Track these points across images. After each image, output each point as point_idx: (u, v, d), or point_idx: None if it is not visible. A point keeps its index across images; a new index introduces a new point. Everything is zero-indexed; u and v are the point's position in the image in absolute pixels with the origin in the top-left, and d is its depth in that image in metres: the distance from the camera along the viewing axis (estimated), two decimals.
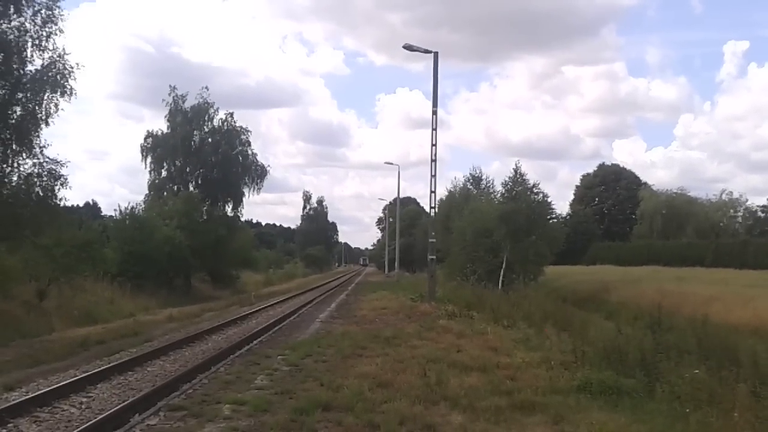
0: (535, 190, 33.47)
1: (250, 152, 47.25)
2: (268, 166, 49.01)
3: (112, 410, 9.22)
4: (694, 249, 52.51)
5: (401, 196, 67.74)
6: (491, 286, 30.45)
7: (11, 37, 17.77)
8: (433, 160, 24.49)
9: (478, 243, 33.68)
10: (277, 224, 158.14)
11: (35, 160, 18.52)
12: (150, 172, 45.34)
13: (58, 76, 18.31)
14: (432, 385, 9.53)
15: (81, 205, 75.44)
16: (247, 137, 47.08)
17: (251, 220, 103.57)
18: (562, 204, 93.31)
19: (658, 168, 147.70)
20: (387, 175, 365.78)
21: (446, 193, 51.85)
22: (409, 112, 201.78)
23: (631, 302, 29.44)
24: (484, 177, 50.87)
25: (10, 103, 17.88)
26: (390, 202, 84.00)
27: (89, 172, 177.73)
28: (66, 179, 19.09)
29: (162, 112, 46.02)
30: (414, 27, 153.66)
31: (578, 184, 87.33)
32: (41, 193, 18.81)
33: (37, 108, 18.23)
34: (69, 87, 18.53)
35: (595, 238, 71.01)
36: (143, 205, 39.38)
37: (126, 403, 9.67)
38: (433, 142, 24.42)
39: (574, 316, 22.43)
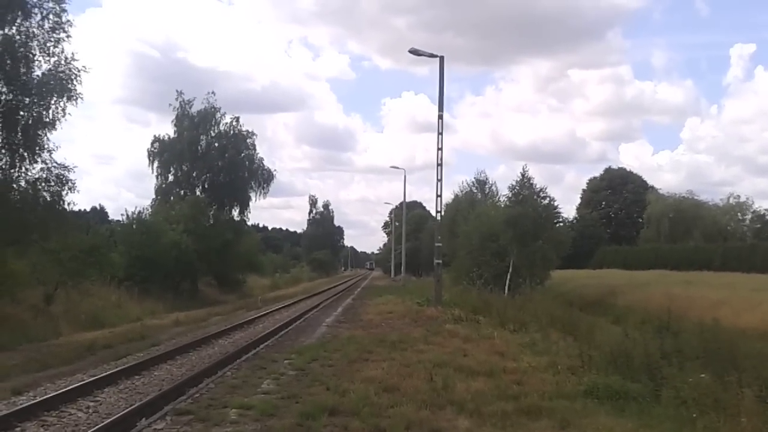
0: (542, 194, 33.42)
1: (256, 156, 47.30)
2: (275, 170, 49.03)
3: (119, 414, 9.25)
4: (701, 253, 52.30)
5: (407, 200, 67.68)
6: (497, 291, 30.37)
7: (19, 42, 17.87)
8: (439, 164, 24.55)
9: (485, 247, 33.61)
10: (284, 228, 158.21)
11: (43, 165, 18.62)
12: (157, 176, 45.46)
13: (65, 81, 18.39)
14: (438, 390, 9.53)
15: (88, 209, 75.63)
16: (253, 141, 47.14)
17: (257, 224, 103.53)
18: (568, 208, 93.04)
19: (665, 171, 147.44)
20: (393, 179, 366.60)
21: (452, 197, 51.88)
22: (415, 116, 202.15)
23: (638, 306, 29.33)
24: (488, 181, 50.89)
25: (17, 108, 17.98)
26: (396, 206, 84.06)
27: (96, 176, 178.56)
28: (74, 184, 19.19)
29: (168, 116, 46.17)
30: (419, 31, 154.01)
31: (585, 187, 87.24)
32: (49, 198, 18.89)
33: (44, 112, 18.31)
34: (76, 91, 18.61)
35: (601, 242, 70.86)
36: (150, 210, 39.45)
37: (133, 407, 9.69)
38: (439, 146, 24.46)
39: (580, 320, 22.34)
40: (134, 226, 33.92)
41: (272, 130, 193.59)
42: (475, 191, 50.28)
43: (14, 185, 18.57)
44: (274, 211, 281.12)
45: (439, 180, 24.55)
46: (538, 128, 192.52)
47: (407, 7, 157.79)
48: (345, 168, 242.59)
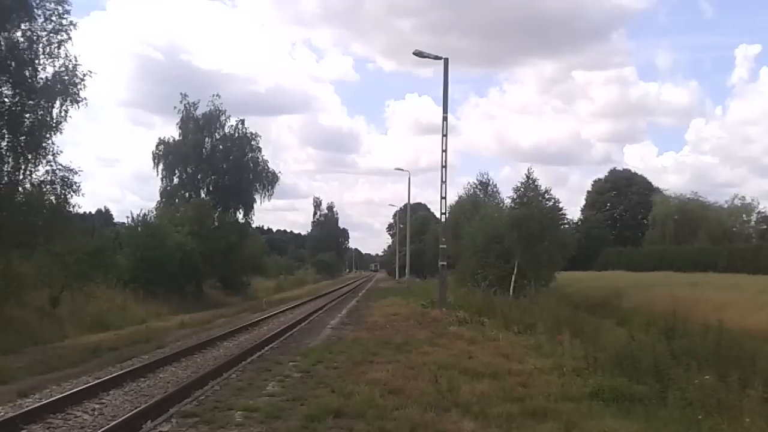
0: (547, 196, 33.36)
1: (261, 159, 47.41)
2: (279, 172, 49.14)
3: (125, 417, 9.28)
4: (706, 254, 52.12)
5: (411, 202, 67.71)
6: (502, 292, 30.35)
7: (23, 45, 17.93)
8: (444, 166, 24.50)
9: (489, 249, 33.59)
10: (288, 230, 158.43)
11: (48, 168, 18.67)
12: (162, 179, 45.58)
13: (69, 84, 18.44)
14: (443, 392, 9.52)
15: (93, 212, 75.83)
16: (257, 144, 47.27)
17: (262, 226, 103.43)
18: (573, 209, 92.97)
19: (670, 173, 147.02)
20: (397, 181, 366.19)
21: (456, 199, 51.86)
22: (419, 118, 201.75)
23: (644, 308, 29.23)
24: (490, 183, 50.88)
25: (22, 111, 18.03)
26: (400, 208, 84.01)
27: (101, 179, 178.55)
28: (78, 186, 19.23)
29: (173, 118, 46.31)
30: (423, 33, 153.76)
31: (589, 189, 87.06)
32: (54, 201, 18.94)
33: (48, 116, 18.36)
34: (80, 95, 18.67)
35: (606, 244, 70.66)
36: (155, 212, 39.54)
37: (138, 409, 9.72)
38: (444, 148, 24.42)
39: (586, 322, 22.31)
40: (139, 229, 33.98)
41: (276, 132, 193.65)
42: (479, 193, 50.27)
43: (19, 188, 18.62)
44: (278, 213, 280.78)
45: (444, 182, 24.53)
46: (543, 130, 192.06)
47: (411, 9, 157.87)
48: (349, 170, 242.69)
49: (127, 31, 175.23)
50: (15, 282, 18.88)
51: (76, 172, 19.13)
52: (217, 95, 46.92)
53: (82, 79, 18.65)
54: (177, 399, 10.26)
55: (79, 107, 18.85)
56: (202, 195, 44.79)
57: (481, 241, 34.17)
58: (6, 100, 17.95)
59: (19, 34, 17.93)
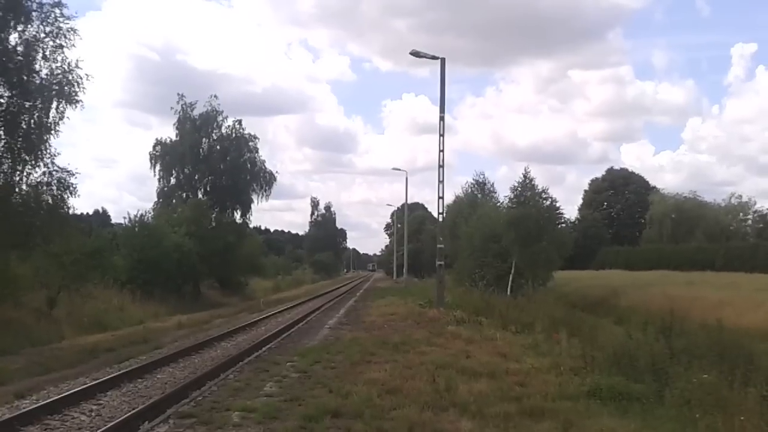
0: (544, 195, 33.40)
1: (258, 159, 47.36)
2: (276, 172, 49.08)
3: (122, 418, 9.25)
4: (703, 253, 52.24)
5: (409, 201, 67.68)
6: (500, 292, 30.38)
7: (20, 47, 17.91)
8: (441, 166, 24.51)
9: (487, 248, 33.62)
10: (286, 231, 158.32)
11: (45, 169, 18.64)
12: (159, 179, 45.53)
13: (67, 87, 18.41)
14: (441, 392, 9.53)
15: (90, 212, 75.89)
16: (255, 144, 47.20)
17: (259, 226, 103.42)
18: (570, 209, 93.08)
19: (667, 172, 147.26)
20: (394, 180, 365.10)
21: (454, 199, 51.86)
22: (415, 118, 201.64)
23: (641, 307, 29.26)
24: (487, 182, 50.86)
25: (19, 112, 18.01)
26: (398, 208, 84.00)
27: (98, 179, 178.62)
28: (75, 188, 19.20)
29: (169, 119, 46.27)
30: (420, 33, 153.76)
31: (586, 188, 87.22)
32: (51, 202, 18.92)
33: (45, 117, 18.33)
34: (77, 97, 18.64)
35: (604, 243, 70.77)
36: (152, 213, 39.52)
37: (135, 410, 9.70)
38: (441, 148, 24.44)
39: (583, 321, 22.35)
40: (136, 229, 33.95)
41: (273, 132, 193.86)
42: (476, 192, 50.27)
43: (16, 189, 18.60)
44: (275, 214, 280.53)
45: (441, 181, 24.55)
46: (539, 129, 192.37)
47: (408, 9, 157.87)
48: (346, 170, 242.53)
49: (122, 32, 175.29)
50: (12, 283, 18.88)
51: (73, 174, 19.14)
52: (215, 96, 46.95)
53: (80, 82, 18.64)
54: (174, 400, 10.24)
55: (75, 108, 18.84)
56: (200, 195, 44.77)
57: (479, 241, 34.20)
58: (2, 101, 17.92)
59: (15, 36, 17.93)
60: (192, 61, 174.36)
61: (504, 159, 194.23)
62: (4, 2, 17.41)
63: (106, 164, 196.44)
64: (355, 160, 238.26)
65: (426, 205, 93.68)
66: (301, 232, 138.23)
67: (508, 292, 30.81)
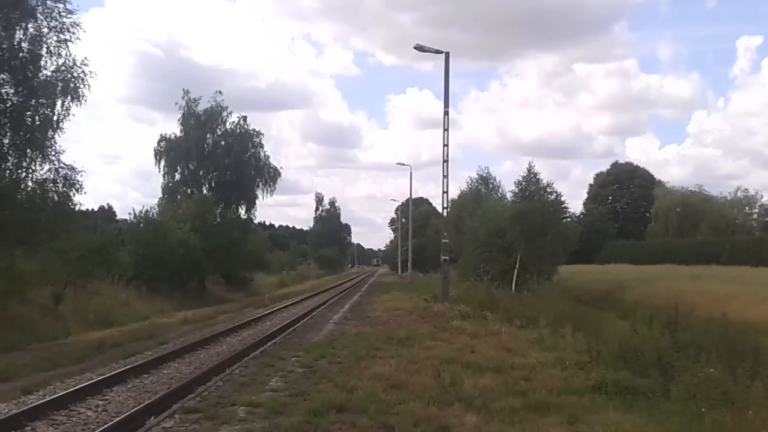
0: (549, 190, 33.34)
1: (262, 155, 47.50)
2: (281, 168, 49.26)
3: (128, 413, 9.28)
4: (709, 247, 52.07)
5: (413, 196, 67.72)
6: (505, 287, 30.38)
7: (25, 44, 17.93)
8: (445, 161, 24.49)
9: (492, 243, 33.60)
10: (290, 226, 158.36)
11: (50, 166, 18.68)
12: (164, 175, 45.73)
13: (71, 82, 18.43)
14: (446, 386, 9.52)
15: (96, 209, 75.99)
16: (259, 140, 47.37)
17: (264, 222, 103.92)
18: (575, 203, 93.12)
19: (672, 165, 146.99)
20: (399, 175, 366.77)
21: (458, 194, 51.82)
22: (420, 112, 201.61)
23: (646, 301, 29.22)
24: (491, 177, 50.81)
25: (24, 109, 18.04)
26: (402, 203, 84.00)
27: (103, 176, 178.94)
28: (81, 185, 19.23)
29: (174, 115, 46.49)
30: (424, 26, 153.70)
31: (591, 182, 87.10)
32: (57, 198, 18.95)
33: (50, 114, 18.35)
34: (82, 93, 18.65)
35: (609, 237, 70.66)
36: (157, 209, 39.62)
37: (142, 405, 9.73)
38: (445, 143, 24.41)
39: (588, 315, 22.31)
40: (142, 225, 34.07)
41: (277, 127, 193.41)
42: (481, 187, 50.22)
43: (22, 186, 18.64)
44: (280, 209, 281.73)
45: (446, 176, 24.53)
46: (544, 123, 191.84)
47: (411, 3, 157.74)
48: (351, 165, 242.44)
49: (126, 28, 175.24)
50: (18, 279, 18.92)
51: (79, 171, 19.16)
52: (219, 92, 47.12)
53: (84, 79, 18.65)
54: (180, 395, 10.26)
55: (80, 105, 18.86)
56: (204, 191, 44.91)
57: (484, 236, 34.17)
58: (8, 98, 17.94)
59: (20, 33, 17.92)
60: (196, 57, 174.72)
61: (508, 153, 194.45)
62: None
63: (110, 160, 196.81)
64: (359, 155, 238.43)
65: (430, 200, 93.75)
66: (305, 228, 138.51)
67: (513, 287, 30.81)
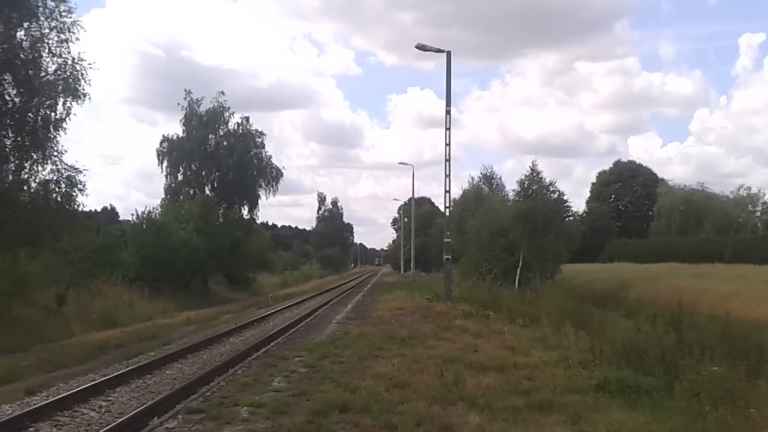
0: (552, 189, 33.31)
1: (265, 155, 47.45)
2: (283, 168, 49.18)
3: (131, 414, 9.29)
4: (712, 245, 52.01)
5: (415, 196, 67.60)
6: (507, 286, 30.34)
7: (26, 44, 17.94)
8: (447, 160, 24.49)
9: (494, 242, 33.56)
10: (293, 226, 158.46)
11: (53, 167, 18.68)
12: (166, 176, 45.72)
13: (71, 81, 18.42)
14: (449, 386, 9.51)
15: (99, 209, 76.14)
16: (262, 140, 47.31)
17: (267, 222, 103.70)
18: (578, 202, 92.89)
19: (674, 164, 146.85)
20: (401, 175, 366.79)
21: (461, 193, 51.75)
22: (421, 112, 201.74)
23: (650, 300, 29.19)
24: (494, 176, 50.75)
25: (26, 110, 18.06)
26: (404, 203, 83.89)
27: (105, 176, 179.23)
28: (84, 185, 19.23)
29: (176, 115, 46.54)
30: (425, 26, 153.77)
31: (594, 181, 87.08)
32: (59, 199, 18.96)
33: (51, 114, 18.36)
34: (82, 91, 18.63)
35: (612, 236, 70.63)
36: (160, 209, 39.65)
37: (145, 406, 9.74)
38: (447, 142, 24.40)
39: (591, 314, 22.29)
40: (144, 226, 34.09)
41: (279, 127, 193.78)
42: (483, 186, 50.17)
43: (25, 187, 18.65)
44: (283, 209, 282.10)
45: (448, 176, 24.52)
46: (546, 122, 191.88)
47: (412, 2, 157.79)
48: (353, 165, 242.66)
49: (127, 28, 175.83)
50: (21, 281, 18.95)
51: (81, 172, 19.16)
52: (221, 92, 47.16)
53: (85, 75, 18.64)
54: (183, 395, 10.27)
55: (82, 103, 18.84)
56: (207, 192, 44.91)
57: (486, 235, 34.13)
58: (10, 99, 17.96)
59: (22, 33, 17.94)
60: (197, 57, 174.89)
61: (511, 152, 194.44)
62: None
63: (113, 161, 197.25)
64: (361, 155, 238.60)
65: (433, 200, 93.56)
66: (308, 228, 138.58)
67: (516, 286, 30.78)
